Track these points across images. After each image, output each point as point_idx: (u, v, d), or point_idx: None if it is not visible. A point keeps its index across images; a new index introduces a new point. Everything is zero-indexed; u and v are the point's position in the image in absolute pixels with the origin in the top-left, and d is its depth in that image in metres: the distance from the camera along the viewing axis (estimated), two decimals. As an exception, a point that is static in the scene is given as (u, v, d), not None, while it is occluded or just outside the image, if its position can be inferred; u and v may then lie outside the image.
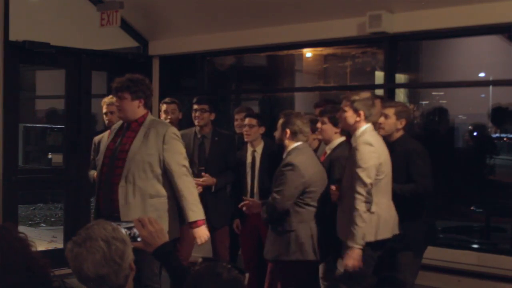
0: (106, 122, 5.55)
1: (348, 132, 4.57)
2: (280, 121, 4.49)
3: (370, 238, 4.14)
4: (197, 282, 2.05)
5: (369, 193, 4.08)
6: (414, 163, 4.46)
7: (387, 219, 4.23)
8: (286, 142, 4.44)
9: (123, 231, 2.34)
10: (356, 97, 4.25)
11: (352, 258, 4.07)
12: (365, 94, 4.34)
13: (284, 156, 4.47)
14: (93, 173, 5.42)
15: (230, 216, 5.62)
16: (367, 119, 4.24)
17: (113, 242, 2.20)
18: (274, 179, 4.44)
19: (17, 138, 6.87)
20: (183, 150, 4.32)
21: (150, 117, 4.31)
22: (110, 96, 5.46)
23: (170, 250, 2.64)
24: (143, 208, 4.15)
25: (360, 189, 4.06)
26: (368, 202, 4.07)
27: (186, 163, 4.29)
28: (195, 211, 4.21)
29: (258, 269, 5.47)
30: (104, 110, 5.54)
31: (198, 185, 5.38)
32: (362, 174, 4.07)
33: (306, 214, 4.35)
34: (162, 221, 4.12)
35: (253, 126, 5.37)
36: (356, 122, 4.23)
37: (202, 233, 4.24)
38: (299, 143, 4.42)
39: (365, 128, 4.23)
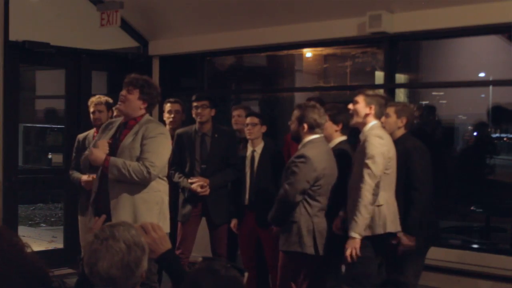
0: (93, 121, 5.61)
1: (350, 130, 4.58)
2: (296, 113, 4.45)
3: (380, 230, 4.17)
4: (195, 279, 2.05)
5: (377, 185, 4.11)
6: (413, 162, 4.46)
7: (395, 212, 4.27)
8: (303, 135, 4.41)
9: None
10: (371, 92, 4.35)
11: (351, 247, 4.09)
12: (380, 93, 4.49)
13: (299, 147, 4.44)
14: (78, 175, 5.45)
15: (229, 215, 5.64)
16: (376, 115, 4.29)
17: (134, 248, 2.19)
18: (285, 171, 4.40)
19: (17, 138, 6.88)
20: (164, 150, 4.28)
21: (147, 116, 4.36)
22: (98, 96, 5.68)
23: (175, 257, 2.62)
24: (132, 201, 4.20)
25: (368, 179, 4.08)
26: (375, 194, 4.10)
27: (158, 162, 4.19)
28: (117, 163, 4.15)
29: (258, 269, 5.48)
30: (92, 109, 5.61)
31: (194, 189, 5.38)
32: (372, 165, 4.10)
33: (309, 207, 4.33)
34: (151, 214, 4.20)
35: (256, 125, 5.35)
36: (366, 115, 4.28)
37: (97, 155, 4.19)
38: (315, 136, 4.39)
39: (373, 123, 4.28)
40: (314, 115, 4.38)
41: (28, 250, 2.37)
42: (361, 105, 4.30)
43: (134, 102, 4.28)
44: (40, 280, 2.33)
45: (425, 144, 4.70)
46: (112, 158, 4.18)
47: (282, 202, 4.35)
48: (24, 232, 8.10)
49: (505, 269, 5.27)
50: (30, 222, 10.16)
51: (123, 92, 4.31)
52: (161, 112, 5.98)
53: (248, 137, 5.42)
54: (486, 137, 7.00)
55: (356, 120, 4.36)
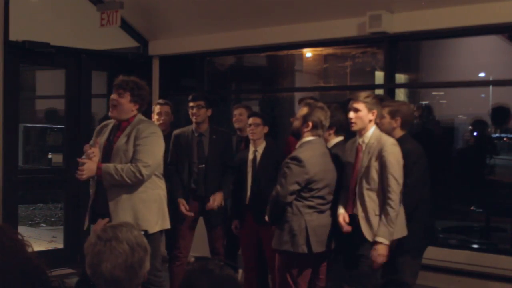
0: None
1: (347, 131, 4.57)
2: (304, 111, 4.41)
3: (398, 235, 4.26)
4: (190, 279, 2.05)
5: (401, 193, 4.20)
6: (411, 165, 4.44)
7: (402, 216, 4.30)
8: (304, 133, 4.39)
9: None
10: (369, 98, 4.31)
11: (382, 255, 4.15)
12: (374, 94, 4.50)
13: (296, 146, 4.44)
14: None
15: (227, 216, 5.66)
16: (376, 119, 4.31)
17: (137, 249, 2.20)
18: (279, 171, 4.40)
19: (17, 138, 6.87)
20: (157, 149, 4.31)
21: (139, 116, 4.39)
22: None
23: None
24: (131, 201, 4.23)
25: (396, 188, 4.14)
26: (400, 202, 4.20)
27: (152, 161, 4.22)
28: (109, 170, 4.17)
29: (258, 269, 5.48)
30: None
31: (209, 208, 5.38)
32: (396, 174, 4.15)
33: (302, 207, 4.31)
34: (150, 212, 4.27)
35: (258, 125, 5.37)
36: (370, 121, 4.28)
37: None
38: (313, 138, 4.37)
39: (374, 129, 4.30)
40: (321, 116, 4.37)
41: (29, 250, 2.38)
42: (364, 113, 4.28)
43: (125, 105, 4.31)
44: (39, 279, 2.33)
45: (425, 144, 4.70)
46: (104, 166, 4.19)
47: (274, 202, 4.36)
48: (24, 232, 8.02)
49: (505, 269, 5.27)
50: (30, 222, 10.15)
51: (114, 96, 4.33)
52: (150, 112, 5.93)
53: (250, 137, 5.43)
54: (486, 137, 7.00)
55: (359, 127, 4.33)
